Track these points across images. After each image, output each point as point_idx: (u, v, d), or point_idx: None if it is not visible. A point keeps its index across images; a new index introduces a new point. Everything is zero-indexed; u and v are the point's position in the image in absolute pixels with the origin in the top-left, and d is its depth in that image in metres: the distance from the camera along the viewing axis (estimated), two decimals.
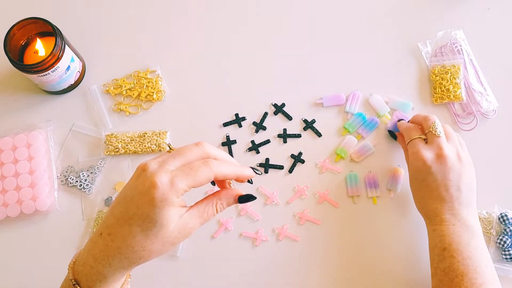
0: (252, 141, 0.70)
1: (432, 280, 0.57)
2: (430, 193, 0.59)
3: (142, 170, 0.44)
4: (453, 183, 0.58)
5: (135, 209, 0.42)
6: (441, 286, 0.55)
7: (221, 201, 0.47)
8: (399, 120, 0.69)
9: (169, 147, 0.48)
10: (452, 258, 0.55)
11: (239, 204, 0.49)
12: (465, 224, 0.57)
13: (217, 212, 0.47)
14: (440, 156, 0.59)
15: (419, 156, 0.59)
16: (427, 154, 0.59)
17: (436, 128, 0.61)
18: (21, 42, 0.67)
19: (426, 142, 0.61)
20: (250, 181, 0.50)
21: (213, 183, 0.51)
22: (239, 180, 0.49)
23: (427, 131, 0.61)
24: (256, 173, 0.49)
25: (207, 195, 0.48)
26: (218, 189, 0.50)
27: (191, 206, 0.46)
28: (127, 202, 0.43)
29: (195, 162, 0.44)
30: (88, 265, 0.45)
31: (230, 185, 0.50)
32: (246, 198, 0.48)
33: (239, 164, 0.48)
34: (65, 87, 0.70)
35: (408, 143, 0.62)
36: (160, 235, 0.43)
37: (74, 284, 0.45)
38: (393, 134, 0.69)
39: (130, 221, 0.43)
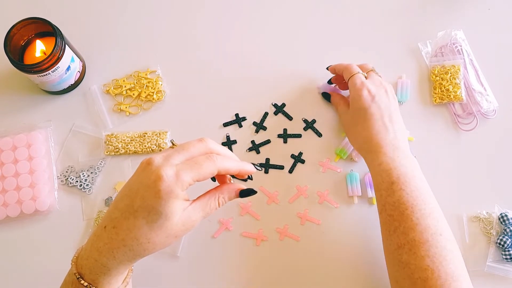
0: (252, 141, 0.70)
1: (380, 216, 0.58)
2: (375, 122, 0.60)
3: (147, 164, 0.44)
4: (394, 114, 0.61)
5: (141, 202, 0.43)
6: (391, 220, 0.55)
7: (223, 195, 0.49)
8: (329, 81, 0.70)
9: (172, 142, 0.49)
10: (401, 191, 0.55)
11: (239, 199, 0.50)
12: (406, 156, 0.58)
13: (219, 206, 0.48)
14: (383, 88, 0.62)
15: (365, 86, 0.61)
16: (371, 85, 0.61)
17: (376, 70, 0.65)
18: (21, 42, 0.67)
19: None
20: (250, 177, 0.52)
21: (213, 179, 0.52)
22: (240, 175, 0.50)
23: (368, 71, 0.64)
24: (256, 168, 0.50)
25: (208, 190, 0.49)
26: (218, 184, 0.51)
27: (194, 200, 0.47)
28: (132, 195, 0.44)
29: (199, 156, 0.46)
30: (92, 259, 0.45)
31: (230, 181, 0.51)
32: (247, 192, 0.49)
33: (240, 160, 0.49)
34: (65, 87, 0.70)
35: (350, 77, 0.63)
36: (164, 227, 0.44)
37: (78, 278, 0.45)
38: (327, 95, 0.70)
39: (135, 213, 0.43)
